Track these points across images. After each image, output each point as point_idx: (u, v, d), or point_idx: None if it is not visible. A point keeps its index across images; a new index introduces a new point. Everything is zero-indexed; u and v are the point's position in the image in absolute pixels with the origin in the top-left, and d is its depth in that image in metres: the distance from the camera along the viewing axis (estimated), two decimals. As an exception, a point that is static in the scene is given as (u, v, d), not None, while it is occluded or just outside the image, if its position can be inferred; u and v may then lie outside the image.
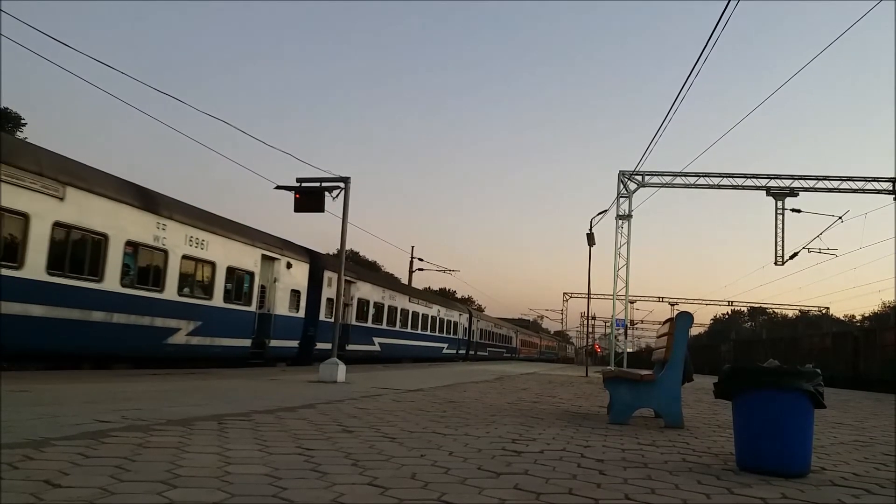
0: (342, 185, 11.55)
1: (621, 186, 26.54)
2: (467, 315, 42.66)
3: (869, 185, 26.13)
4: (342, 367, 10.68)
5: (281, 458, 3.46)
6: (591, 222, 24.19)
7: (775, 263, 28.00)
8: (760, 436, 3.84)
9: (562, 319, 72.89)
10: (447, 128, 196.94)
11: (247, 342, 16.76)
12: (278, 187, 11.95)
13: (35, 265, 10.53)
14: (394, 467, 3.37)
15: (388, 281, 33.01)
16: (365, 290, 24.56)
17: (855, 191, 26.21)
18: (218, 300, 15.34)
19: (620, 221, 26.40)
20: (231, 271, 15.81)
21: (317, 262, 20.44)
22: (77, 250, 11.48)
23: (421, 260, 45.82)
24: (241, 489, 2.69)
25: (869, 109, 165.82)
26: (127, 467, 3.00)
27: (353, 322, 23.47)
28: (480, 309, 75.52)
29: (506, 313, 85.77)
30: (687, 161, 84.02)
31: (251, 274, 16.70)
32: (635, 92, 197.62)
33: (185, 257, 14.13)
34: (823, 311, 64.40)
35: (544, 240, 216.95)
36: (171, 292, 13.76)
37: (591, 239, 23.98)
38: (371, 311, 25.19)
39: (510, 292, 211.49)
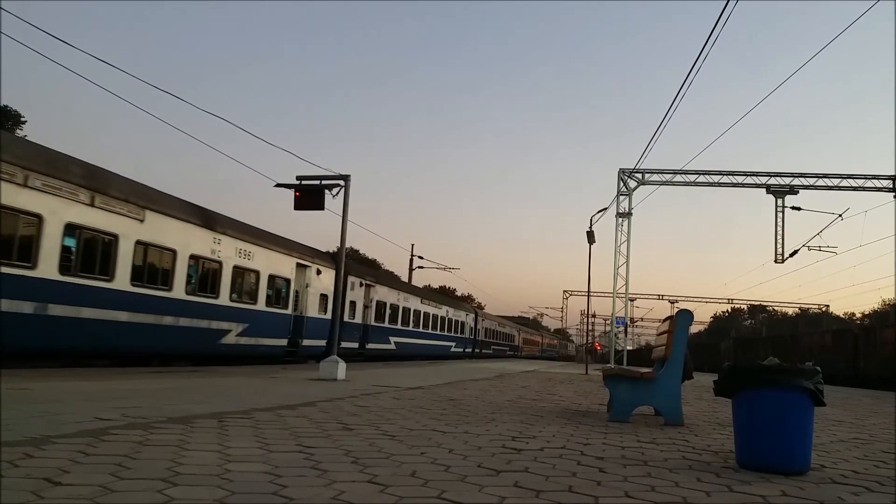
0: (342, 182, 11.53)
1: (621, 184, 26.52)
2: (473, 315, 44.43)
3: (869, 183, 26.11)
4: (342, 365, 10.69)
5: (281, 455, 3.46)
6: (591, 220, 24.19)
7: (775, 261, 27.99)
8: (760, 433, 3.84)
9: (562, 317, 72.77)
10: (447, 126, 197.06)
11: (284, 342, 18.41)
12: (278, 185, 11.93)
13: (122, 278, 12.38)
14: (394, 465, 3.37)
15: (402, 284, 34.59)
16: (382, 293, 26.27)
17: (855, 188, 26.20)
18: (261, 305, 17.15)
19: (620, 219, 26.41)
20: (272, 279, 17.62)
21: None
22: (153, 264, 13.34)
23: (421, 258, 45.81)
24: (242, 487, 2.69)
25: (869, 107, 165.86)
26: (127, 465, 3.00)
27: (373, 323, 25.09)
28: (481, 307, 75.63)
29: (505, 311, 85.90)
30: (687, 159, 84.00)
31: (288, 280, 18.54)
32: (635, 90, 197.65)
33: (235, 267, 15.95)
34: (823, 309, 64.33)
35: (544, 238, 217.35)
36: (224, 298, 15.52)
37: (591, 237, 23.96)
38: (388, 312, 26.88)
39: (510, 290, 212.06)
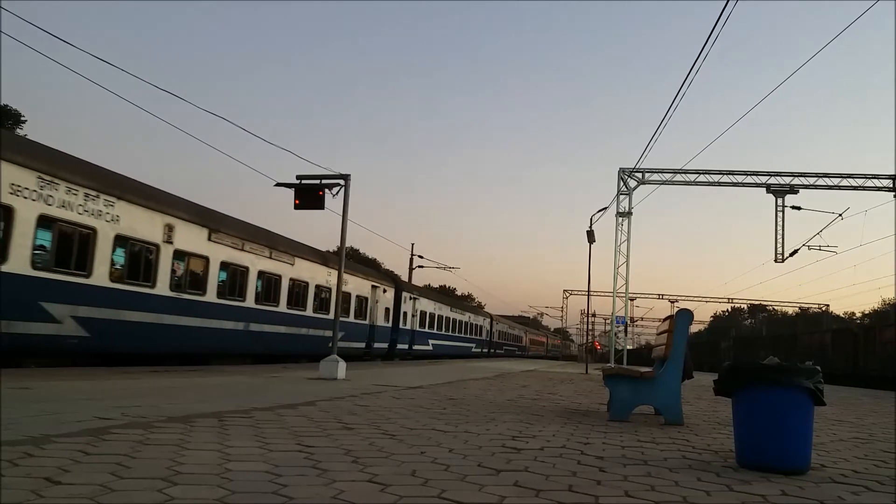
0: (342, 182, 11.51)
1: (621, 184, 26.48)
2: (489, 319, 50.62)
3: (869, 183, 26.06)
4: (342, 365, 10.68)
5: (281, 455, 3.46)
6: (591, 219, 24.18)
7: (775, 261, 27.96)
8: (760, 433, 3.84)
9: (562, 317, 72.74)
10: (447, 126, 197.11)
11: (363, 344, 24.43)
12: (278, 184, 11.90)
13: (283, 303, 18.38)
14: (394, 464, 3.37)
15: (437, 295, 41.08)
16: (424, 304, 32.29)
17: (855, 188, 26.15)
18: (352, 318, 23.04)
19: (620, 219, 26.36)
20: (358, 298, 23.85)
21: (399, 286, 29.01)
22: (297, 293, 19.23)
23: (421, 257, 45.74)
24: (242, 486, 2.70)
25: (869, 107, 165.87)
26: (127, 464, 3.00)
27: (417, 328, 30.85)
28: (481, 306, 75.87)
29: (505, 310, 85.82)
30: (687, 159, 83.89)
31: (366, 299, 24.75)
32: (635, 90, 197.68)
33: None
34: (823, 309, 64.27)
35: (544, 237, 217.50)
36: (332, 314, 20.33)
37: (591, 236, 23.95)
38: (427, 319, 32.81)
39: (510, 289, 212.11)
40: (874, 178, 26.06)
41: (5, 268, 9.91)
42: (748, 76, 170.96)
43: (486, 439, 4.48)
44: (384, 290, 26.48)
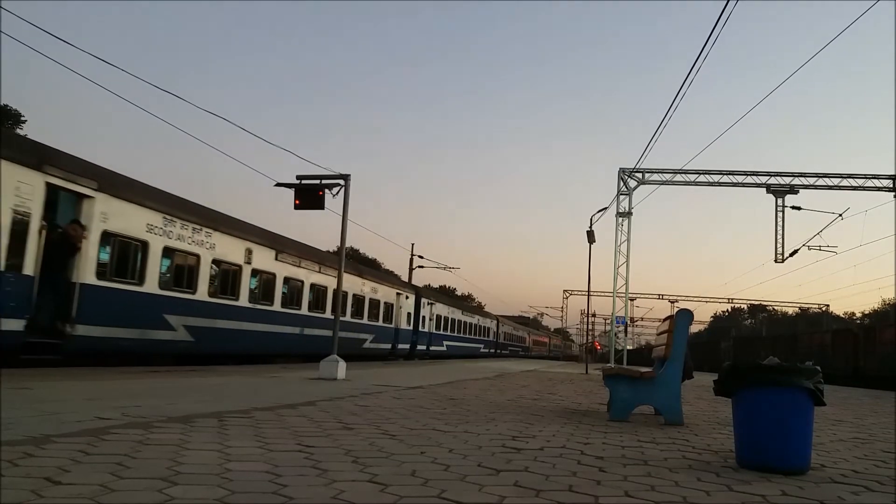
0: (342, 182, 11.50)
1: (621, 184, 26.46)
2: (496, 321, 54.10)
3: (869, 183, 26.06)
4: (342, 365, 10.66)
5: (281, 455, 3.46)
6: (591, 220, 24.17)
7: (775, 261, 27.95)
8: (760, 433, 3.84)
9: (562, 317, 72.71)
10: (447, 126, 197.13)
11: (389, 345, 27.45)
12: (279, 184, 11.88)
13: (328, 310, 20.74)
14: (394, 464, 3.37)
15: (450, 299, 44.83)
16: (439, 308, 35.72)
17: (855, 188, 26.14)
18: (380, 322, 26.16)
19: (620, 219, 26.34)
20: (385, 304, 26.92)
21: (419, 293, 32.41)
22: (357, 304, 23.33)
23: (421, 258, 45.70)
24: (242, 486, 2.70)
25: (869, 107, 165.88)
26: (127, 464, 3.00)
27: (433, 331, 34.17)
28: (481, 306, 75.99)
29: (505, 310, 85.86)
30: (687, 159, 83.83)
31: (392, 304, 27.84)
32: (636, 89, 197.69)
33: (370, 299, 25.12)
34: (823, 309, 64.23)
35: (544, 237, 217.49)
36: (365, 319, 24.63)
37: (591, 236, 23.95)
38: (442, 323, 36.17)
39: (510, 289, 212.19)
40: (874, 178, 26.06)
41: (142, 289, 12.73)
42: (748, 76, 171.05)
43: (486, 439, 4.48)
44: (406, 297, 29.76)
